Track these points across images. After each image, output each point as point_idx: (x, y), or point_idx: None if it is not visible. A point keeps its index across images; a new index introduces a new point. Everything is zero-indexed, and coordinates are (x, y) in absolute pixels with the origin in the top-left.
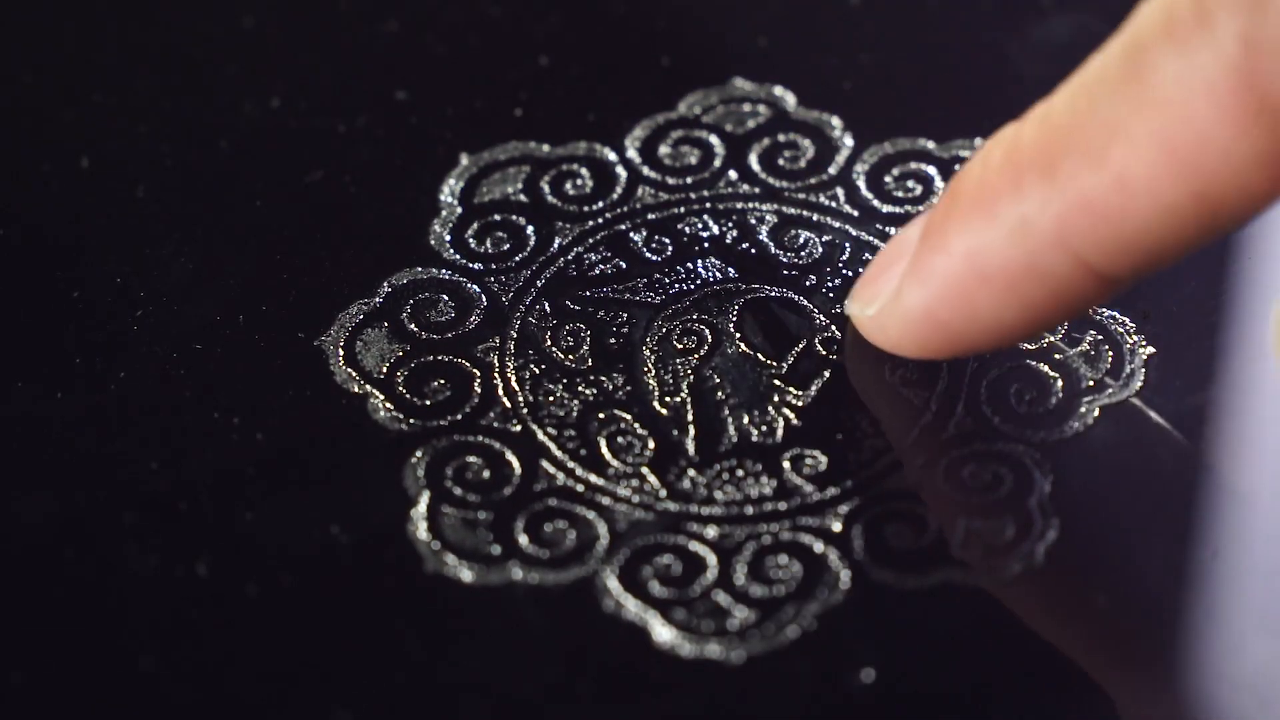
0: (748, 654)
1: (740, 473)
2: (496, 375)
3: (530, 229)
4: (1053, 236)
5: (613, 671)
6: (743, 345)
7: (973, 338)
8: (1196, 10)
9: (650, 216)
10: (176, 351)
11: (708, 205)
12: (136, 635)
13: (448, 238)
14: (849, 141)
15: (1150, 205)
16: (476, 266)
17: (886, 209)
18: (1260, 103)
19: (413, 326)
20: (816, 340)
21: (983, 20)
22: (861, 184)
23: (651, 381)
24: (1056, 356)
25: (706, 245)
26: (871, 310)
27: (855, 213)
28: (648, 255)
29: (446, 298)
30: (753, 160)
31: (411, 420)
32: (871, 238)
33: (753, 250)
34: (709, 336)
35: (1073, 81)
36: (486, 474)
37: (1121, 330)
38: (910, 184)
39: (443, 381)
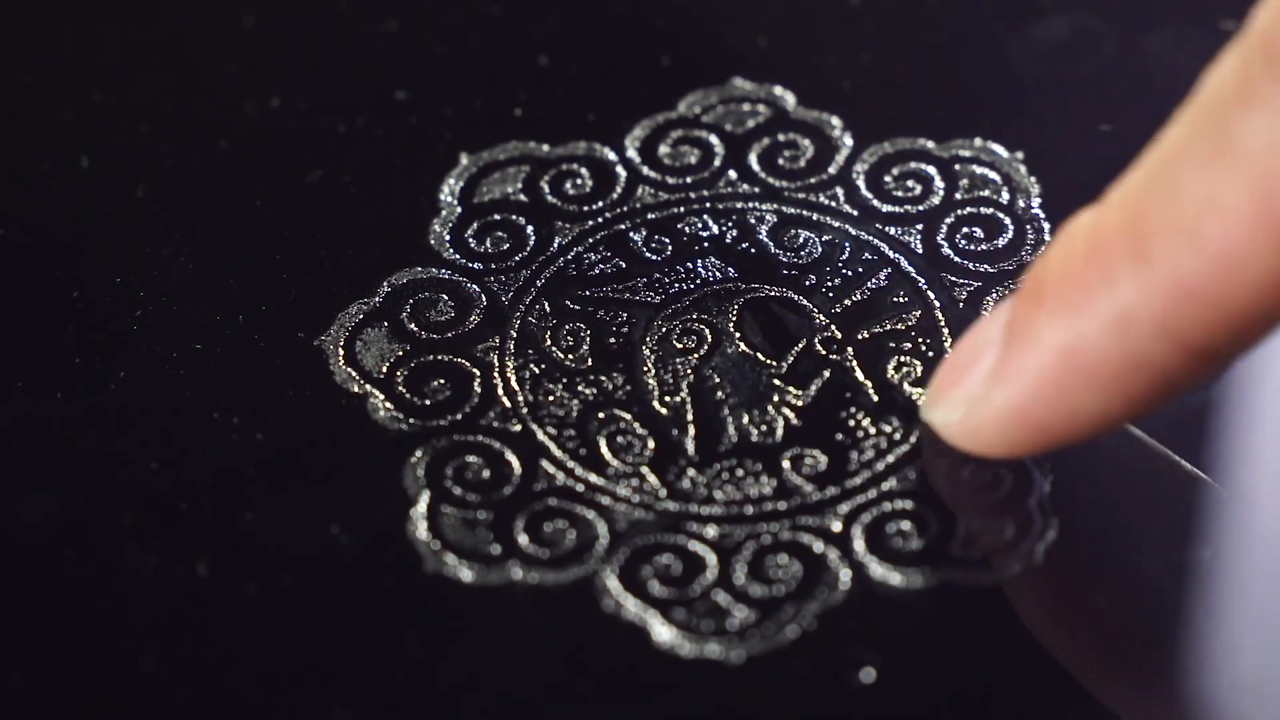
0: (747, 654)
1: (740, 472)
2: (496, 375)
3: (530, 229)
4: (1156, 327)
5: (612, 671)
6: (742, 345)
7: (1072, 433)
8: (1273, 68)
9: (650, 216)
10: (176, 351)
11: (707, 205)
12: (136, 635)
13: (447, 237)
14: (848, 141)
15: (1256, 280)
16: (476, 266)
17: (886, 208)
18: None
19: (412, 326)
20: (816, 340)
21: (983, 20)
22: (861, 183)
23: (651, 381)
24: None
25: (706, 245)
26: (957, 416)
27: (855, 212)
28: (647, 255)
29: (446, 297)
30: (752, 160)
31: (411, 420)
32: (871, 237)
33: (752, 250)
34: (709, 336)
35: (1149, 159)
36: (486, 474)
37: None
38: (910, 184)
39: (442, 381)
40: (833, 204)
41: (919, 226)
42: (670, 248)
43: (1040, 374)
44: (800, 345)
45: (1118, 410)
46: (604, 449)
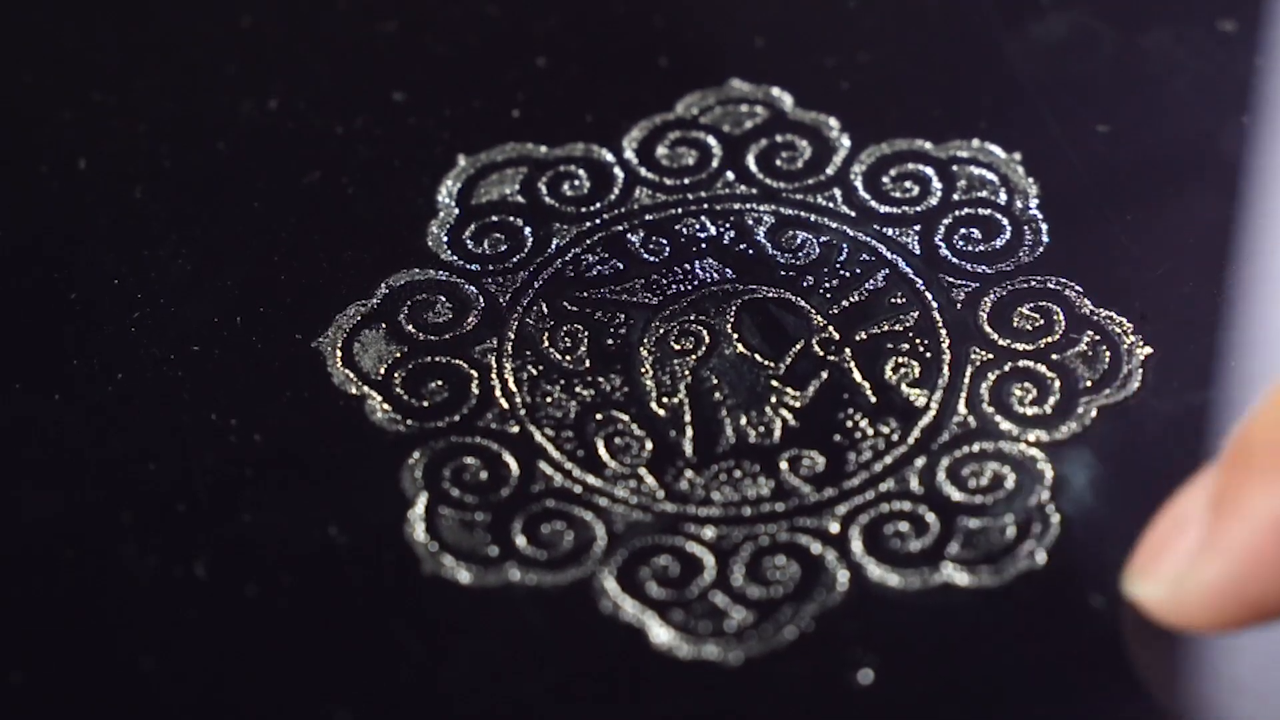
0: (745, 655)
1: (738, 473)
2: (494, 376)
3: (528, 230)
4: None
5: (610, 673)
6: (740, 346)
7: None
8: None
9: (648, 217)
10: (174, 352)
11: (705, 206)
12: (136, 635)
13: (445, 239)
14: (846, 142)
15: None
16: (474, 268)
17: (884, 209)
18: None
19: (410, 328)
20: (814, 341)
21: (981, 20)
22: (859, 184)
23: (649, 382)
24: (1054, 357)
25: (704, 246)
26: (1163, 590)
27: (852, 213)
28: (645, 256)
29: (444, 299)
30: (750, 161)
31: (409, 421)
32: (869, 238)
33: (750, 251)
34: (706, 337)
35: None
36: (484, 475)
37: (1119, 331)
38: (908, 184)
39: (440, 383)
40: (830, 205)
41: (917, 227)
42: (668, 249)
43: (1253, 547)
44: (798, 346)
45: None
46: (602, 450)
